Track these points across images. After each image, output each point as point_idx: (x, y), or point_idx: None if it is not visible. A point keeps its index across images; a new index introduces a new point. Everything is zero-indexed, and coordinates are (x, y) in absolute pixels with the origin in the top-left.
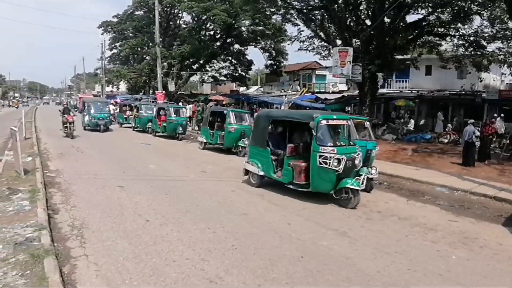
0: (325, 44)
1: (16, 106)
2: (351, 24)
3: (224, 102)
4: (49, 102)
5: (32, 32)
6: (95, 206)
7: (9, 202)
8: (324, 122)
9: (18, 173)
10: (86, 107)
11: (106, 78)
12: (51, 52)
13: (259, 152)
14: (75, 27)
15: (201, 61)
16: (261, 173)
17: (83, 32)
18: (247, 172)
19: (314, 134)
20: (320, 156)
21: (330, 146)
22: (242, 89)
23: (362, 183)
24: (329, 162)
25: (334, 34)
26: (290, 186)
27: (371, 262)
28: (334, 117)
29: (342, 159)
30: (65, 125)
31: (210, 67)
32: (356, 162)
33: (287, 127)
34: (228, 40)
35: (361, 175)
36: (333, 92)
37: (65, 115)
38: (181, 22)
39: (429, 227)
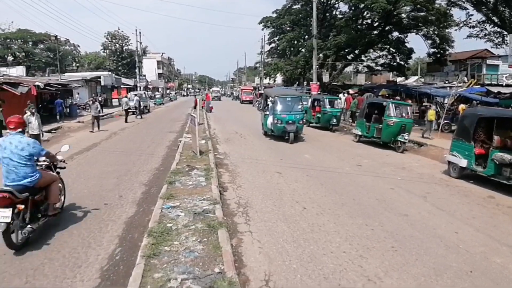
0: (499, 30)
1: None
2: None
3: (380, 94)
4: (220, 97)
5: (202, 30)
6: (257, 188)
7: (188, 177)
8: None
9: (195, 153)
10: (270, 104)
11: (264, 71)
12: (218, 48)
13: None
14: (238, 24)
15: (357, 51)
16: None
17: (246, 28)
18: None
19: None
20: None
21: None
22: (399, 80)
23: None
24: None
25: (510, 18)
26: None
27: None
28: None
29: None
30: None
31: (366, 56)
32: None
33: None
34: (386, 28)
35: None
36: (508, 85)
37: None
38: (337, 13)
39: None
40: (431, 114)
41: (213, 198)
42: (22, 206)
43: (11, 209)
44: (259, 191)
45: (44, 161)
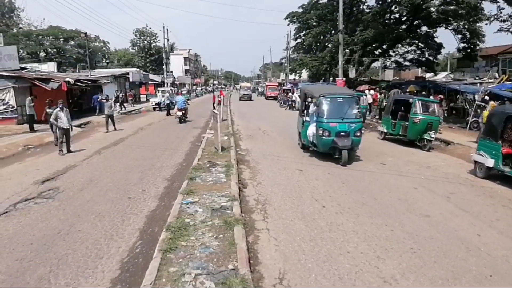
0: None
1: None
2: None
3: (408, 90)
4: (251, 96)
5: (228, 26)
6: (277, 185)
7: (209, 173)
8: None
9: (217, 149)
10: (313, 107)
11: (289, 67)
12: (244, 44)
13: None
14: (263, 20)
15: (384, 46)
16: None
17: (271, 24)
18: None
19: None
20: None
21: None
22: (428, 75)
23: None
24: None
25: None
26: None
27: None
28: None
29: None
30: None
31: (394, 52)
32: None
33: None
34: (415, 23)
35: None
36: None
37: None
38: (364, 7)
39: None
40: (486, 115)
41: (231, 194)
42: (184, 112)
43: (181, 112)
44: (279, 188)
45: (187, 102)
